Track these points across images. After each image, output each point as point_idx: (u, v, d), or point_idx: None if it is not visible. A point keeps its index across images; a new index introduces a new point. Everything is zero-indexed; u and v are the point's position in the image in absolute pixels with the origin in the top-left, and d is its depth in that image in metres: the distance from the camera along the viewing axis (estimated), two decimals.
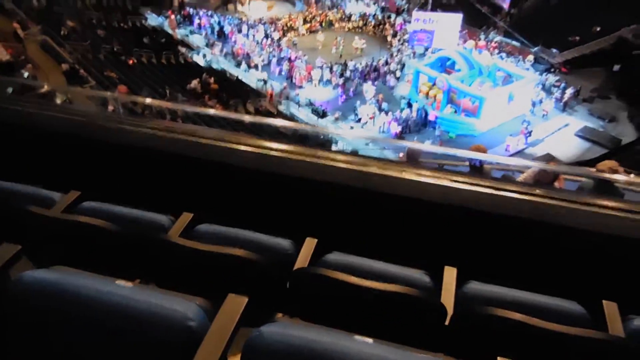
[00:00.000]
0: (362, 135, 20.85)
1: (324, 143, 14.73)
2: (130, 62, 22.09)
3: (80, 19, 24.93)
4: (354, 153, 7.41)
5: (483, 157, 4.97)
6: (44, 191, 2.83)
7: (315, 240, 2.64)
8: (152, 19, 27.85)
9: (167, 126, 3.42)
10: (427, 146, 12.03)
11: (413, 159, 5.11)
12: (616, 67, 23.15)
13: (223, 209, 2.89)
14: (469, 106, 20.11)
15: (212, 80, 21.42)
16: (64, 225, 2.22)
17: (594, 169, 4.40)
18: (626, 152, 18.05)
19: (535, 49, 24.67)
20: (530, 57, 24.40)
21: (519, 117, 20.40)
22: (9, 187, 2.76)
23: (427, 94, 21.21)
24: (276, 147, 3.16)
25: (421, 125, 20.31)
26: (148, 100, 7.09)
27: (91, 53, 21.53)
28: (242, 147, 3.17)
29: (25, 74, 13.71)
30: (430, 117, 20.38)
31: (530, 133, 19.44)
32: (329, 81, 23.02)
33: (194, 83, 20.79)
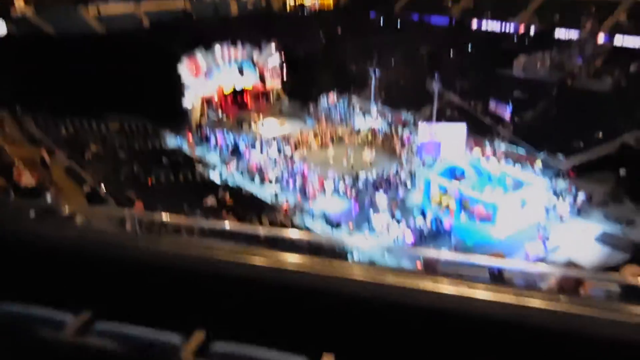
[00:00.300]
0: (377, 246, 20.78)
1: (339, 254, 14.62)
2: (149, 181, 22.91)
3: (103, 143, 26.39)
4: (371, 263, 7.33)
5: (502, 264, 4.88)
6: (56, 312, 2.80)
7: (333, 355, 2.53)
8: (171, 140, 29.35)
9: (182, 242, 3.45)
10: (444, 254, 11.89)
11: (431, 268, 5.03)
12: (622, 172, 23.41)
13: (236, 324, 2.83)
14: (483, 213, 20.14)
15: (227, 195, 21.96)
16: (74, 350, 2.17)
17: (618, 275, 4.29)
18: None
19: (541, 155, 25.22)
20: (538, 163, 24.82)
21: (534, 223, 20.29)
22: (20, 309, 2.74)
23: (440, 202, 21.40)
24: (291, 260, 3.15)
25: (436, 234, 20.23)
26: (164, 217, 7.23)
27: (112, 175, 22.47)
28: (257, 261, 3.17)
29: (49, 198, 14.28)
30: (445, 226, 20.34)
31: (547, 239, 19.19)
32: (341, 193, 23.42)
33: (210, 199, 21.30)
